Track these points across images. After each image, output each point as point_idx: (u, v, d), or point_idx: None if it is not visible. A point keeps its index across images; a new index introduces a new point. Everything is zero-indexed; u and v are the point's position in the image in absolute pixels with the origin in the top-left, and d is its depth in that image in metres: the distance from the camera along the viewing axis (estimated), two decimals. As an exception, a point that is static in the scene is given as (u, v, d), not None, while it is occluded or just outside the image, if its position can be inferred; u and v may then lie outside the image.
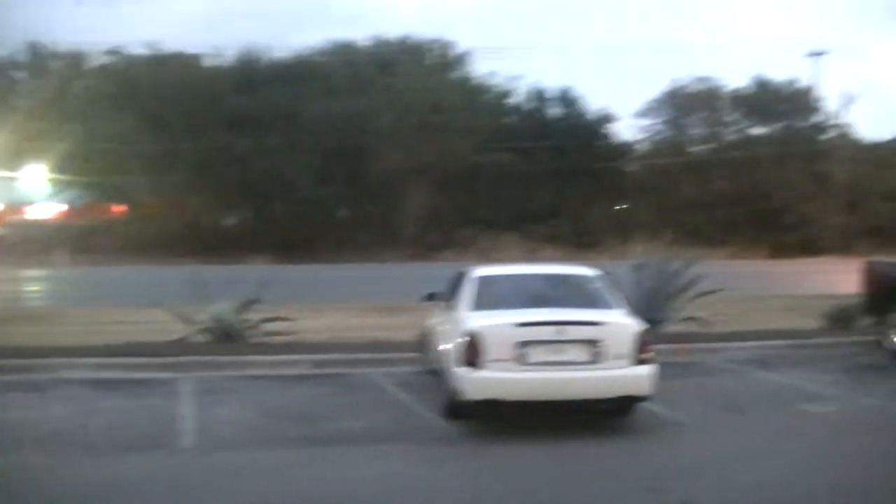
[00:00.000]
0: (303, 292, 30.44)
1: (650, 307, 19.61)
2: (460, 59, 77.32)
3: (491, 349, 11.93)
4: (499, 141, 68.85)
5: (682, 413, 13.27)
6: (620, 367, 11.99)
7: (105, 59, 73.49)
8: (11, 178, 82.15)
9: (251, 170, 63.35)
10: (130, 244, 64.85)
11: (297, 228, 64.20)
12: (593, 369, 11.91)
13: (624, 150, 77.18)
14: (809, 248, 65.62)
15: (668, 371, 14.28)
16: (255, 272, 26.07)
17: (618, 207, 73.83)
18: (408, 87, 67.81)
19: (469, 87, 75.84)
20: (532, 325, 12.00)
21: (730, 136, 76.85)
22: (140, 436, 12.31)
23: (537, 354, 11.89)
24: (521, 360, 11.88)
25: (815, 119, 76.26)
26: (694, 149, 75.92)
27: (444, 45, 77.38)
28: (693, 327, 20.62)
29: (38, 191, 79.75)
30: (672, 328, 20.23)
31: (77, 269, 54.82)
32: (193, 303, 19.92)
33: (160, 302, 20.37)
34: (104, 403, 14.37)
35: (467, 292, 13.39)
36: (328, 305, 28.10)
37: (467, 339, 12.10)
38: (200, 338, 18.97)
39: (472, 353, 11.98)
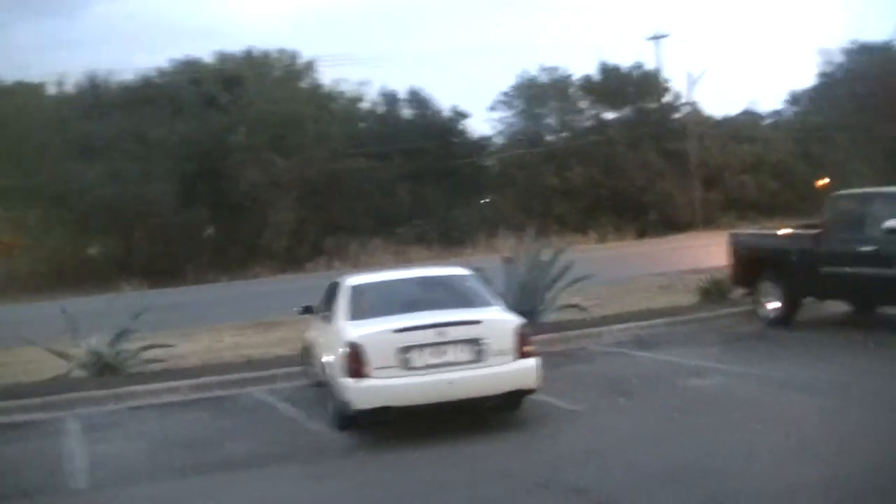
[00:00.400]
0: (176, 316, 30.15)
1: (525, 300, 19.87)
2: (307, 69, 77.18)
3: (373, 357, 11.93)
4: (355, 147, 68.81)
5: (569, 401, 13.41)
6: (504, 363, 12.07)
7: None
8: None
9: (109, 197, 62.28)
10: (-6, 282, 63.47)
11: (163, 252, 63.41)
12: (477, 368, 11.98)
13: (480, 145, 77.62)
14: (674, 225, 67.01)
15: (551, 361, 14.48)
16: (125, 300, 25.75)
17: (482, 202, 74.23)
18: (257, 100, 67.42)
19: (318, 95, 75.69)
20: (411, 330, 12.01)
21: (583, 123, 77.79)
22: (30, 480, 12.06)
23: (420, 358, 11.92)
24: (405, 366, 11.90)
25: (664, 100, 77.68)
26: (549, 138, 76.62)
27: (288, 56, 77.19)
28: (570, 315, 20.87)
29: None
30: (550, 318, 20.47)
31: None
32: (67, 337, 19.60)
33: (32, 340, 19.98)
34: (-14, 449, 14.06)
35: (343, 302, 13.37)
36: (203, 327, 27.81)
37: (348, 349, 12.08)
38: (78, 373, 18.64)
39: (355, 363, 11.96)
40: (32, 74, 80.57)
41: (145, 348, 19.45)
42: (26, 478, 12.20)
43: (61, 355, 19.23)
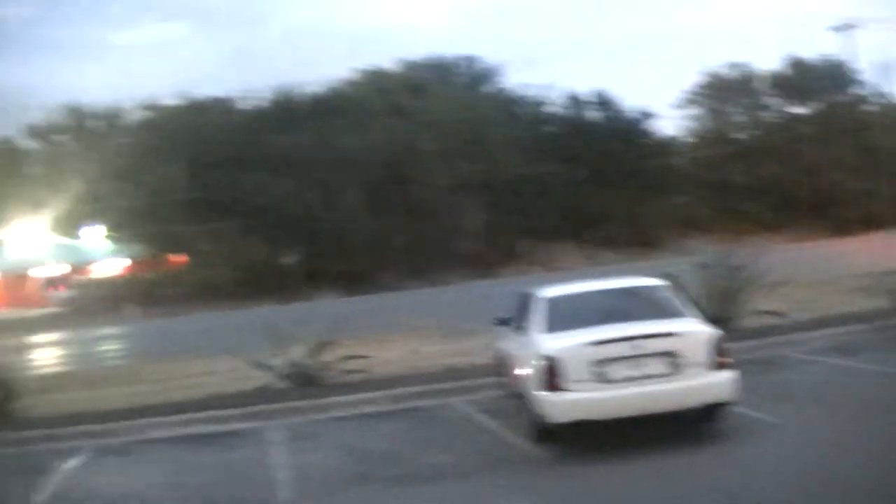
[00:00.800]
0: (371, 324, 30.59)
1: (720, 306, 19.61)
2: (490, 74, 77.56)
3: (570, 371, 11.96)
4: (541, 150, 68.79)
5: (768, 413, 13.18)
6: (701, 376, 11.98)
7: (143, 113, 74.18)
8: (72, 241, 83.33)
9: (301, 207, 63.58)
10: (194, 293, 65.41)
11: (355, 260, 64.42)
12: (674, 380, 11.91)
13: (667, 145, 76.88)
14: (871, 223, 64.90)
15: (748, 369, 14.27)
16: (320, 308, 26.25)
17: (671, 203, 73.52)
18: (443, 107, 67.87)
19: (503, 100, 75.84)
20: (608, 343, 12.01)
21: (771, 119, 76.38)
22: (241, 490, 12.50)
23: (617, 371, 11.91)
24: (602, 379, 11.91)
25: (855, 92, 75.66)
26: (738, 135, 75.48)
27: (471, 61, 77.62)
28: (768, 320, 20.50)
29: (99, 250, 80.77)
30: (746, 324, 20.13)
31: (145, 323, 55.35)
32: (266, 347, 20.09)
33: (234, 350, 20.54)
34: (195, 460, 14.57)
35: (538, 315, 13.42)
36: (399, 334, 28.17)
37: (545, 363, 12.14)
38: (279, 384, 19.11)
39: (551, 376, 12.02)
40: (222, 90, 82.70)
41: (345, 358, 19.78)
42: (233, 488, 12.66)
43: (261, 366, 19.73)
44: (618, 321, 12.66)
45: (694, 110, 77.70)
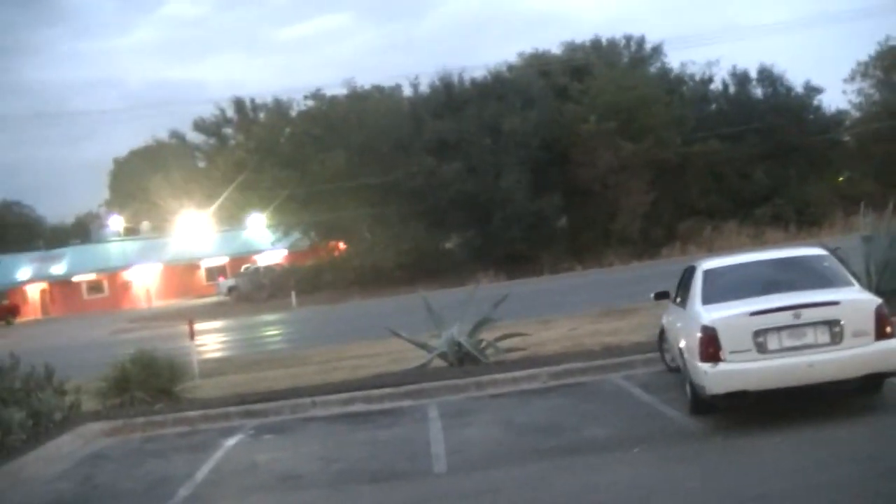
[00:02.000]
0: (532, 306, 30.70)
1: (888, 279, 19.13)
2: (653, 53, 76.95)
3: (729, 341, 11.81)
4: (706, 129, 67.99)
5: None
6: (863, 345, 11.66)
7: (307, 104, 75.37)
8: (237, 231, 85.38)
9: (464, 191, 63.87)
10: (357, 279, 66.31)
11: (518, 243, 64.54)
12: (835, 350, 11.64)
13: (836, 120, 75.09)
14: None
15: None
16: (483, 291, 26.30)
17: (839, 179, 71.99)
18: (606, 88, 67.49)
19: (667, 79, 75.08)
20: (767, 313, 11.79)
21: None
22: (397, 464, 12.59)
23: (776, 341, 11.71)
24: (761, 349, 11.72)
25: None
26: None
27: (635, 41, 77.13)
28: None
29: (262, 239, 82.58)
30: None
31: (309, 310, 56.29)
32: (428, 329, 20.29)
33: (397, 332, 20.76)
34: (354, 436, 14.79)
35: (698, 287, 13.27)
36: (560, 315, 28.18)
37: (703, 333, 12.02)
38: (439, 363, 19.25)
39: (711, 347, 11.88)
40: (385, 78, 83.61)
41: (504, 337, 19.88)
42: (395, 461, 12.77)
43: (423, 346, 19.94)
44: (778, 291, 12.44)
45: (865, 83, 75.87)
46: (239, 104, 79.70)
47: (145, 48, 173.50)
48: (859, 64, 75.65)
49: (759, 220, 64.66)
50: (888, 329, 11.82)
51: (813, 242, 26.02)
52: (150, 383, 18.91)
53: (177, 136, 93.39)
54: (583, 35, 75.71)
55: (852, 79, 75.94)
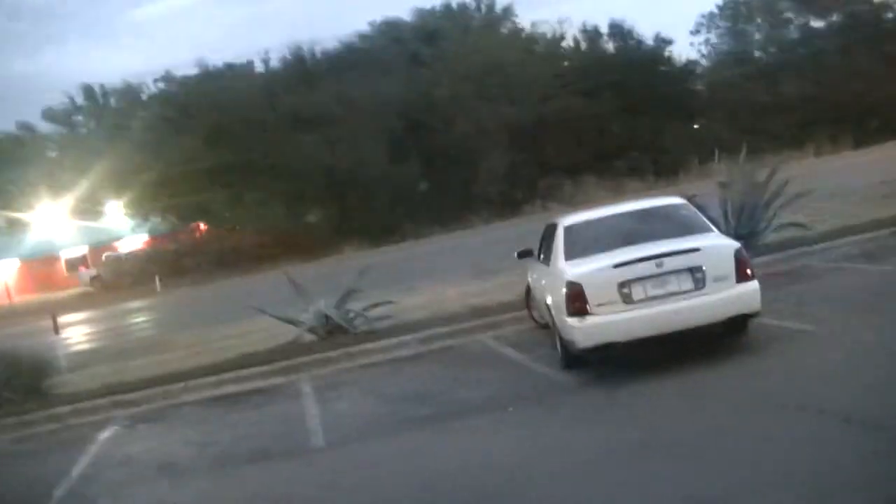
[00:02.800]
0: (398, 274, 30.68)
1: (744, 223, 19.53)
2: (504, 15, 77.30)
3: (594, 295, 11.89)
4: (561, 86, 68.62)
5: (797, 321, 13.10)
6: (725, 289, 11.84)
7: (158, 87, 74.31)
8: (95, 221, 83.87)
9: (323, 164, 63.58)
10: (220, 259, 65.67)
11: (379, 212, 64.44)
12: (699, 295, 11.79)
13: (687, 70, 76.51)
14: (893, 132, 64.43)
15: (775, 282, 14.25)
16: (347, 262, 26.20)
17: (693, 128, 73.24)
18: (459, 52, 67.64)
19: (519, 39, 75.55)
20: (629, 264, 11.89)
21: (791, 35, 75.76)
22: (274, 443, 12.48)
23: (641, 291, 11.82)
24: (627, 300, 11.82)
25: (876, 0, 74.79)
26: (757, 54, 74.97)
27: (485, 4, 77.37)
28: (792, 233, 20.36)
29: (122, 226, 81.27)
30: (771, 239, 20.02)
31: (175, 294, 55.65)
32: (295, 305, 20.13)
33: (262, 310, 20.55)
34: (228, 418, 14.59)
35: (560, 243, 13.32)
36: (425, 281, 28.16)
37: (569, 289, 12.08)
38: (309, 337, 19.12)
39: (577, 301, 11.96)
40: (238, 56, 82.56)
41: (370, 307, 19.79)
42: (271, 440, 12.66)
43: (291, 321, 19.76)
44: (639, 242, 12.56)
45: (712, 33, 77.39)
46: (88, 91, 77.96)
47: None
48: (703, 16, 77.06)
49: (618, 173, 65.55)
50: (748, 271, 12.03)
51: (671, 191, 26.36)
52: (15, 382, 18.38)
53: (26, 127, 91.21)
54: (434, 0, 75.66)
55: (698, 31, 77.37)
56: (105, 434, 14.99)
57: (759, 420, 9.54)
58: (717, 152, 23.27)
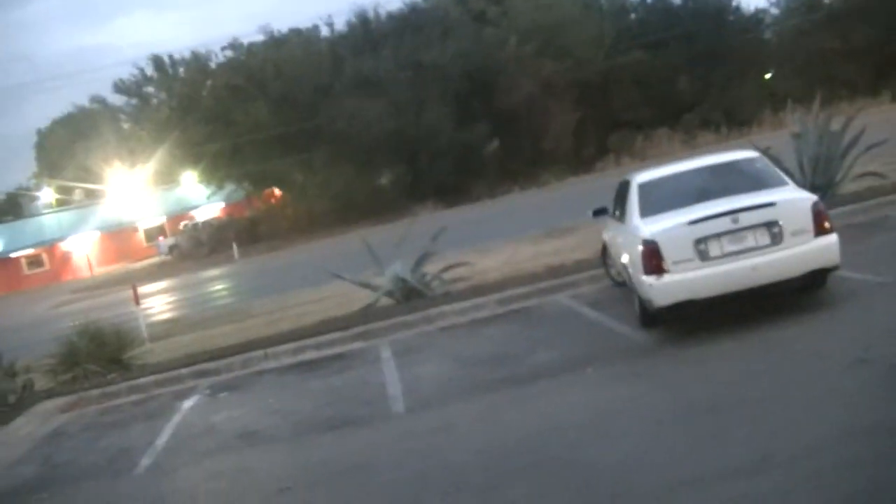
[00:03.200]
0: (472, 235, 30.70)
1: (820, 174, 19.34)
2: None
3: (670, 252, 11.85)
4: (628, 41, 68.14)
5: (877, 273, 12.92)
6: (803, 243, 11.73)
7: (226, 55, 74.61)
8: (171, 190, 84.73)
9: (391, 127, 63.64)
10: (295, 225, 66.25)
11: (449, 174, 64.40)
12: (776, 250, 11.69)
13: (756, 19, 75.57)
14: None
15: (852, 234, 14.07)
16: (421, 225, 26.21)
17: (764, 78, 72.42)
18: (524, 10, 67.29)
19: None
20: (705, 221, 11.81)
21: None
22: (352, 409, 12.55)
23: (717, 248, 11.75)
24: (704, 257, 11.75)
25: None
26: (827, 0, 73.84)
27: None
28: (869, 183, 20.11)
29: (198, 195, 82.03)
30: (848, 188, 19.80)
31: (251, 261, 56.13)
32: (372, 268, 20.24)
33: (339, 275, 20.69)
34: (311, 385, 14.72)
35: (635, 201, 13.27)
36: (500, 241, 28.19)
37: (646, 247, 12.04)
38: (386, 301, 19.22)
39: (653, 259, 11.92)
40: (304, 20, 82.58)
41: (446, 269, 19.87)
42: (351, 406, 12.72)
43: (368, 286, 19.89)
44: (713, 197, 12.45)
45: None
46: (157, 62, 78.37)
47: (51, 17, 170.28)
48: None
49: (689, 126, 65.13)
50: (826, 224, 11.90)
51: (744, 143, 26.11)
52: (99, 354, 18.73)
53: (98, 101, 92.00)
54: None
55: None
56: (188, 403, 15.22)
57: (835, 376, 9.46)
58: (789, 103, 22.94)
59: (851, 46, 67.18)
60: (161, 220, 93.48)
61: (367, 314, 18.53)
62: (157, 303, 39.71)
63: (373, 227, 46.85)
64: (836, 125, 20.65)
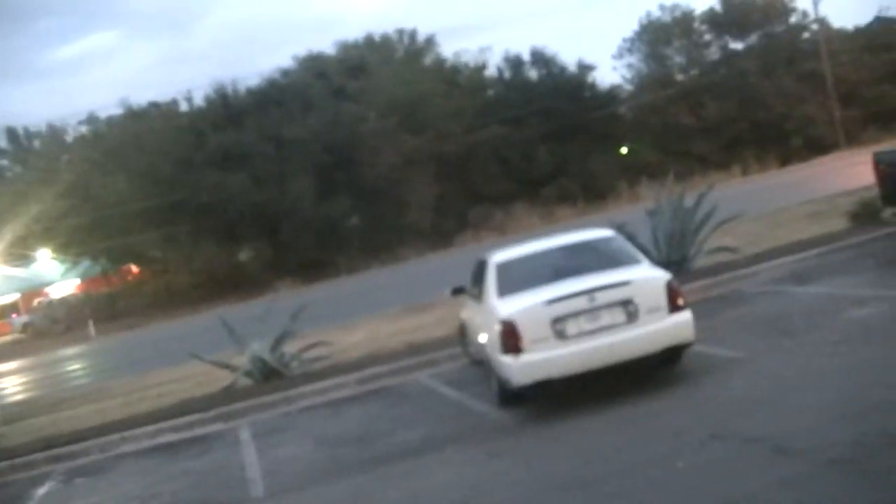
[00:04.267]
0: (333, 311, 30.58)
1: (674, 250, 19.76)
2: (427, 46, 77.78)
3: (527, 332, 11.92)
4: (486, 116, 69.08)
5: (729, 348, 13.23)
6: (658, 320, 11.93)
7: (83, 128, 73.69)
8: (25, 266, 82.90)
9: (251, 202, 63.45)
10: (154, 302, 65.40)
11: (311, 249, 64.31)
12: (632, 328, 11.87)
13: (611, 95, 77.29)
14: (818, 149, 65.70)
15: (706, 308, 14.36)
16: (281, 302, 26.09)
17: (620, 152, 73.89)
18: (384, 85, 67.84)
19: (443, 70, 75.98)
20: (562, 300, 11.93)
21: (712, 56, 76.94)
22: (212, 494, 12.39)
23: (575, 326, 11.87)
24: (561, 336, 11.86)
25: (791, 21, 76.21)
26: (679, 77, 75.93)
27: (408, 35, 77.76)
28: (722, 257, 20.58)
29: (53, 271, 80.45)
30: (701, 263, 20.23)
31: (109, 339, 55.14)
32: (231, 347, 20.06)
33: (197, 355, 20.45)
34: (167, 469, 14.45)
35: (492, 280, 13.35)
36: (361, 318, 28.13)
37: (503, 327, 12.11)
38: (246, 381, 19.04)
39: (511, 339, 11.99)
40: (162, 94, 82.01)
41: (306, 348, 19.78)
42: (211, 491, 12.56)
43: (227, 367, 19.71)
44: (570, 276, 12.63)
45: (634, 58, 78.32)
46: (12, 133, 77.17)
47: None
48: (625, 40, 78.07)
49: (548, 200, 66.01)
50: (680, 301, 12.14)
51: (601, 219, 26.58)
52: (-51, 437, 18.21)
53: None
54: (356, 33, 76.01)
55: (620, 56, 78.57)
56: (42, 490, 14.82)
57: (691, 451, 9.60)
58: (644, 180, 23.49)
59: (704, 122, 69.13)
60: (14, 296, 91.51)
61: (227, 395, 18.33)
62: (11, 383, 38.74)
63: (234, 303, 46.44)
64: (689, 201, 21.12)
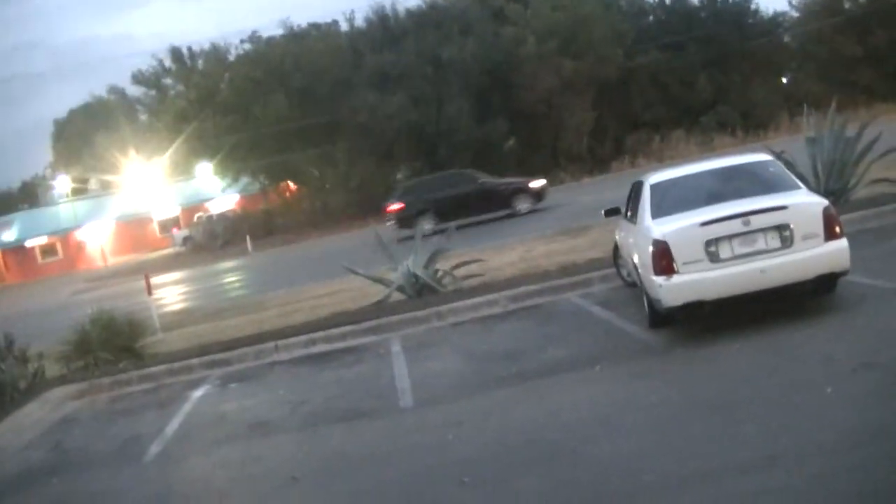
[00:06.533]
0: (488, 232, 30.68)
1: (833, 179, 19.33)
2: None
3: (681, 253, 11.88)
4: (646, 41, 68.04)
5: (887, 279, 12.88)
6: (813, 247, 11.75)
7: (244, 48, 74.56)
8: (187, 181, 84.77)
9: (408, 123, 63.59)
10: (310, 219, 66.19)
11: (469, 168, 64.26)
12: (786, 254, 11.72)
13: (775, 22, 75.29)
14: None
15: (864, 238, 14.09)
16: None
17: (782, 81, 72.29)
18: (543, 8, 67.19)
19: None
20: (716, 222, 11.83)
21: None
22: (361, 402, 12.64)
23: (728, 249, 11.78)
24: (714, 258, 11.79)
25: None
26: (847, 5, 73.61)
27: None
28: (883, 189, 20.04)
29: (213, 187, 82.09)
30: (861, 194, 19.75)
31: (265, 254, 56.16)
32: (385, 264, 20.32)
33: (353, 269, 20.77)
34: (322, 377, 14.84)
35: (647, 201, 13.30)
36: (514, 240, 28.20)
37: (656, 247, 12.08)
38: (398, 296, 19.29)
39: (663, 260, 11.96)
40: (323, 15, 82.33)
41: (460, 265, 19.95)
42: (359, 399, 12.84)
43: (380, 281, 19.98)
44: (725, 199, 12.49)
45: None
46: (176, 53, 78.37)
47: (68, 5, 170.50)
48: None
49: (706, 128, 64.99)
50: (837, 229, 11.91)
51: (760, 146, 26.14)
52: (112, 343, 18.82)
53: (116, 91, 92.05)
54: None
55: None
56: (198, 393, 15.36)
57: (840, 378, 9.47)
58: (805, 108, 22.91)
59: (871, 51, 66.95)
60: (176, 211, 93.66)
61: (379, 309, 18.60)
62: (170, 293, 39.82)
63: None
64: (850, 131, 20.62)
